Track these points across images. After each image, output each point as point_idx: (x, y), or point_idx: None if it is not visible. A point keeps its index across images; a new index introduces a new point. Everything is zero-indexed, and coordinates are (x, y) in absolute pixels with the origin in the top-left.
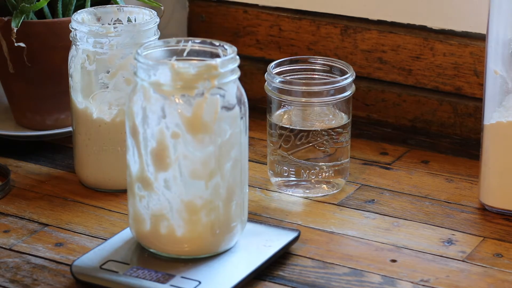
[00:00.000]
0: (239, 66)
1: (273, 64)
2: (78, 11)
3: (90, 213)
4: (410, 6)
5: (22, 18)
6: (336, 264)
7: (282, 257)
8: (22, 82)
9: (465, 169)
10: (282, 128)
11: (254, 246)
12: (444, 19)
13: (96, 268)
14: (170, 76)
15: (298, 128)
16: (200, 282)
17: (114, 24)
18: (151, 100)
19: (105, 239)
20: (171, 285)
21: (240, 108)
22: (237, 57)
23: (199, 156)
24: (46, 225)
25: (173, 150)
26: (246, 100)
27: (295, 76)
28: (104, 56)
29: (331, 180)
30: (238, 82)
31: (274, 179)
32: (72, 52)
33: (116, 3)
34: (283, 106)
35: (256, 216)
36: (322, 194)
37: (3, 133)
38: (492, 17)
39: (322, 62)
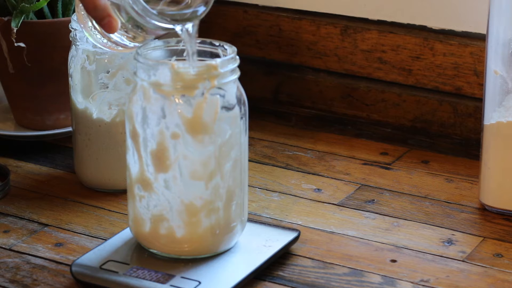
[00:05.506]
0: (239, 66)
1: None
2: None
3: (90, 213)
4: (410, 6)
5: (22, 18)
6: (336, 264)
7: (282, 257)
8: (22, 82)
9: (465, 169)
10: None
11: (254, 246)
12: (444, 19)
13: (96, 268)
14: (170, 76)
15: None
16: (200, 282)
17: None
18: (151, 100)
19: (105, 239)
20: (171, 285)
21: (240, 108)
22: (237, 57)
23: (199, 157)
24: (46, 225)
25: (173, 150)
26: (246, 100)
27: None
28: (104, 56)
29: None
30: (238, 82)
31: None
32: (72, 52)
33: None
34: None
35: (256, 216)
36: None
37: (3, 133)
38: (492, 17)
39: None
